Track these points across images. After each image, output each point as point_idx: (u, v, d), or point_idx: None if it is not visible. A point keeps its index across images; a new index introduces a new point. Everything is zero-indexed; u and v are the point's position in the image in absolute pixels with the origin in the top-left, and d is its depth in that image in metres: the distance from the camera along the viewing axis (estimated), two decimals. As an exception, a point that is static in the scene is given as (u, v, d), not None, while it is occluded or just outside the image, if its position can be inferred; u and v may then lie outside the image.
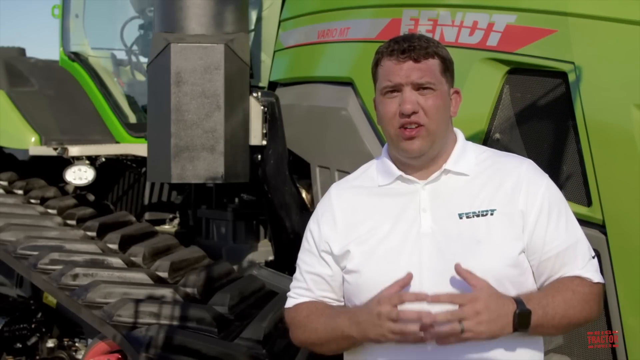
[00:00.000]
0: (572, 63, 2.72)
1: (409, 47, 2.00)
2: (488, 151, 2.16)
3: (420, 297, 1.89)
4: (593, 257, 2.07)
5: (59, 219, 5.05)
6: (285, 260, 4.41)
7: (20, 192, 5.54)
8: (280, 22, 4.53)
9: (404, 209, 2.05)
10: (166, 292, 3.91)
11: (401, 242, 2.00)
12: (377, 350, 2.00)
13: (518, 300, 1.91)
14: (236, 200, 5.00)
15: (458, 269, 1.91)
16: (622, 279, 2.59)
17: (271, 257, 4.74)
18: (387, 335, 1.90)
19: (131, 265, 4.32)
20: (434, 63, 2.02)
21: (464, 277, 1.90)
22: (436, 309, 1.88)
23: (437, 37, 3.10)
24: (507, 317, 1.88)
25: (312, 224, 2.18)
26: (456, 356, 1.94)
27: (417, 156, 2.04)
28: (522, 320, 1.89)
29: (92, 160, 5.13)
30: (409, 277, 1.92)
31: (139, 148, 5.10)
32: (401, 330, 1.88)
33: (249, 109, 3.94)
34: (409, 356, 1.95)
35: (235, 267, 4.64)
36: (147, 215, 5.94)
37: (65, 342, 4.93)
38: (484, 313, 1.86)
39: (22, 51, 6.27)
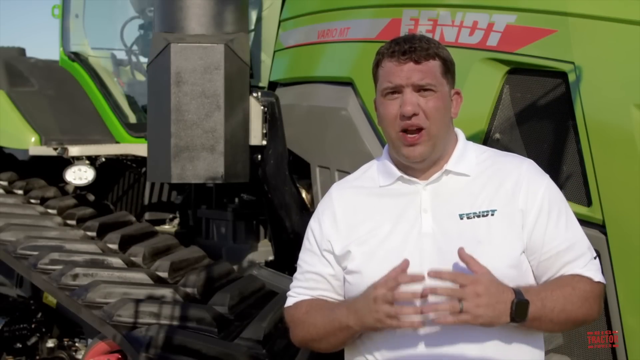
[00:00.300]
0: (572, 63, 2.72)
1: (410, 48, 2.00)
2: (489, 151, 2.16)
3: (416, 278, 1.89)
4: (595, 258, 2.07)
5: (59, 219, 5.05)
6: (285, 260, 4.41)
7: (20, 192, 5.53)
8: (280, 22, 4.53)
9: (404, 210, 2.05)
10: (166, 292, 3.90)
11: (402, 242, 2.00)
12: (375, 343, 2.01)
13: (517, 291, 1.91)
14: (236, 200, 5.00)
15: (461, 253, 1.91)
16: (622, 279, 2.59)
17: (271, 257, 4.74)
18: (383, 320, 1.90)
19: (131, 265, 4.32)
20: (434, 64, 2.02)
21: (466, 262, 1.91)
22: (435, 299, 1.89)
23: (437, 37, 3.10)
24: (505, 304, 1.88)
25: (313, 224, 2.18)
26: (455, 354, 1.94)
27: (419, 162, 2.04)
28: (519, 309, 1.89)
29: (92, 160, 5.12)
30: (405, 264, 1.92)
31: (139, 148, 5.10)
32: (397, 313, 1.88)
33: (249, 109, 3.94)
34: (406, 352, 1.95)
35: (235, 267, 4.64)
36: (147, 215, 5.94)
37: (65, 342, 4.93)
38: (484, 296, 1.86)
39: (22, 51, 6.27)
